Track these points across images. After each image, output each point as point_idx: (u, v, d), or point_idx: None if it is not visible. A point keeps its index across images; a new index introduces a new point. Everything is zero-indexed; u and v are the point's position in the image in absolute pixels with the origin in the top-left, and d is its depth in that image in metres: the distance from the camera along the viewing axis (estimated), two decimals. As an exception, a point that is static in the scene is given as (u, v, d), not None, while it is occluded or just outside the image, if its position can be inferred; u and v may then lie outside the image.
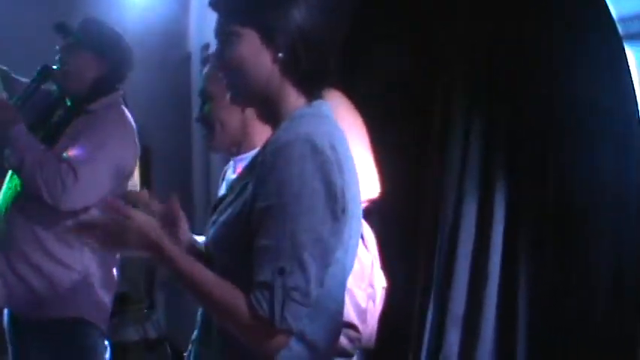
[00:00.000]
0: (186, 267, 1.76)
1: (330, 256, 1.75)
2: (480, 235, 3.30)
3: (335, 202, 1.72)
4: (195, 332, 1.99)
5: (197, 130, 5.23)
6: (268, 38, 1.80)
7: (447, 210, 3.42)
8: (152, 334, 6.15)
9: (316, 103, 1.87)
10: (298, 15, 1.80)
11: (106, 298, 3.18)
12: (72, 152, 3.06)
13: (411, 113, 3.71)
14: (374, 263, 2.90)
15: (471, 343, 3.28)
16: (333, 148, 1.74)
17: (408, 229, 3.70)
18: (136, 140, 3.28)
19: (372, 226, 2.97)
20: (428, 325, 3.46)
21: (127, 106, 3.30)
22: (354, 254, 1.96)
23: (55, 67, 3.20)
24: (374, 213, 3.81)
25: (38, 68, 3.20)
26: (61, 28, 3.17)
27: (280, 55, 1.80)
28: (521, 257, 3.19)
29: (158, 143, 6.09)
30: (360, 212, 1.94)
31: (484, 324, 3.25)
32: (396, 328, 3.64)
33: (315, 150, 1.71)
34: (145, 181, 6.35)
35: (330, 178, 1.71)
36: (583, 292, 3.02)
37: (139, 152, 3.32)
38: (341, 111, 2.85)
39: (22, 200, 3.09)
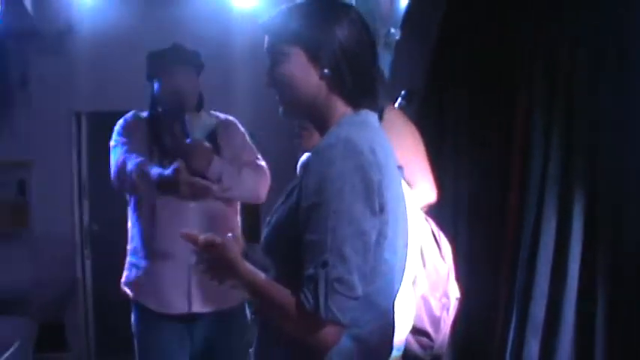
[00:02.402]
0: (253, 278, 1.89)
1: (373, 250, 1.82)
2: (559, 247, 3.31)
3: (373, 198, 1.80)
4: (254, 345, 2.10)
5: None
6: (314, 56, 1.92)
7: (528, 223, 3.44)
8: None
9: (362, 112, 1.97)
10: (341, 34, 1.92)
11: None
12: (248, 156, 3.45)
13: (493, 116, 3.76)
14: (449, 274, 2.95)
15: (549, 353, 3.28)
16: (372, 151, 1.83)
17: (493, 241, 3.75)
18: None
19: (455, 239, 3.03)
20: (510, 336, 3.48)
21: None
22: (405, 256, 2.03)
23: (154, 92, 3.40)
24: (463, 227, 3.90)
25: (172, 104, 3.35)
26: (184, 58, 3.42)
27: (326, 71, 1.92)
28: (600, 267, 3.17)
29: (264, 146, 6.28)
30: (405, 215, 2.02)
31: (563, 335, 3.25)
32: (478, 338, 3.69)
33: (355, 151, 1.81)
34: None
35: (369, 176, 1.80)
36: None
37: None
38: (396, 123, 2.99)
39: (196, 209, 3.32)
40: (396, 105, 3.83)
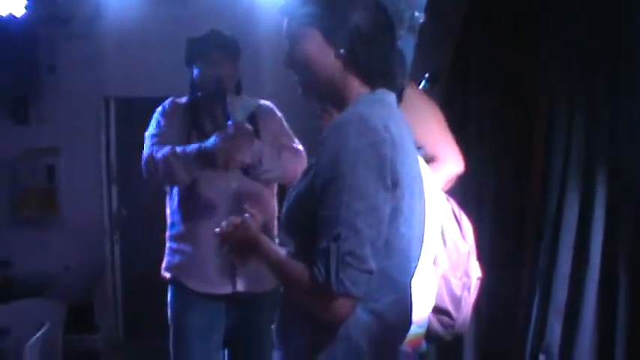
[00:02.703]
0: (271, 253, 1.98)
1: (387, 225, 1.85)
2: (582, 228, 3.31)
3: (385, 174, 1.84)
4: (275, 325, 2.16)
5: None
6: (329, 37, 1.98)
7: (551, 206, 3.44)
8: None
9: (379, 91, 2.01)
10: (357, 15, 1.97)
11: None
12: (286, 140, 3.52)
13: (516, 108, 3.76)
14: (470, 254, 2.96)
15: (572, 331, 3.30)
16: (387, 128, 1.87)
17: (516, 224, 3.75)
18: None
19: (479, 222, 3.04)
20: (533, 315, 3.49)
21: None
22: (422, 233, 2.06)
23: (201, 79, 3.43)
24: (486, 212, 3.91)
25: (213, 87, 3.38)
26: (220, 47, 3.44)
27: (341, 51, 1.97)
28: (622, 250, 3.18)
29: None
30: (422, 192, 2.05)
31: (585, 317, 3.26)
32: (501, 319, 3.70)
33: (369, 127, 1.85)
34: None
35: (382, 152, 1.84)
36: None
37: None
38: (416, 101, 3.02)
39: (236, 191, 3.38)
40: (421, 87, 3.84)
